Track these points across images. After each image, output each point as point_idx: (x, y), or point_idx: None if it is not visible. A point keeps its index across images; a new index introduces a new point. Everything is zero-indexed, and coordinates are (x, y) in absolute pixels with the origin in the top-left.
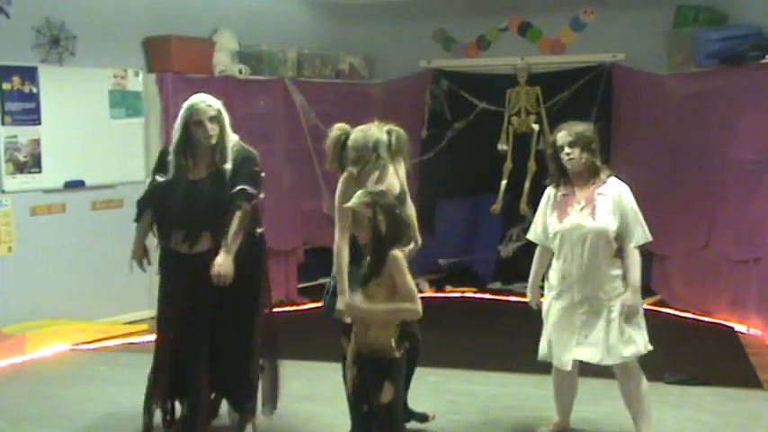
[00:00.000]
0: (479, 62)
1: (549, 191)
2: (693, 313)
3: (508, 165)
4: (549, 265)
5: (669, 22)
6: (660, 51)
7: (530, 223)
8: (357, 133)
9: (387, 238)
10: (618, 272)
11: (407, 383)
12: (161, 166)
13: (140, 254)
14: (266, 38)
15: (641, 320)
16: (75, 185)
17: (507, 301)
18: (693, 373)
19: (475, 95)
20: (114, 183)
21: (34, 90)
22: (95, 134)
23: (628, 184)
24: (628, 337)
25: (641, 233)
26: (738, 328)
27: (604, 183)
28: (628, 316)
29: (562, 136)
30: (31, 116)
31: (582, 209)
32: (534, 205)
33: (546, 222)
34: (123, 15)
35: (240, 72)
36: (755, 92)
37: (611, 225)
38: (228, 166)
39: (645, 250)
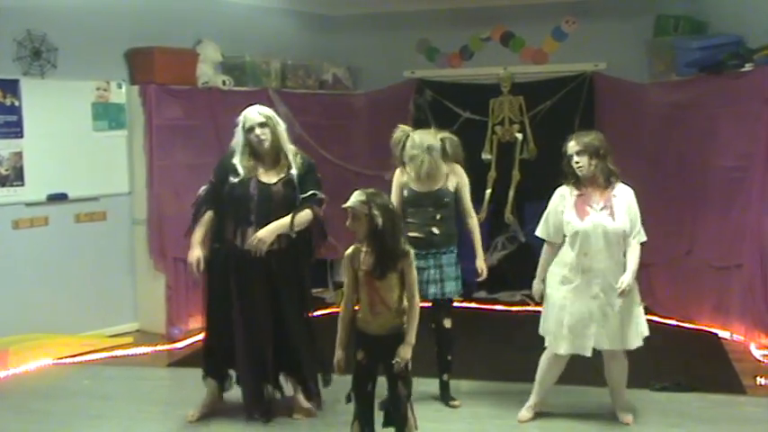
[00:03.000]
0: (463, 72)
1: (563, 190)
2: (677, 320)
3: (492, 174)
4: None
5: (650, 31)
6: (641, 60)
7: (515, 231)
8: (415, 136)
9: (384, 232)
10: (624, 265)
11: None
12: (221, 172)
13: (198, 259)
14: (250, 49)
15: (641, 310)
16: (57, 198)
17: (493, 309)
18: (678, 379)
19: (458, 105)
20: (97, 195)
21: (16, 103)
22: (78, 147)
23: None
24: (635, 326)
25: (641, 232)
26: (722, 334)
27: (616, 187)
28: (622, 292)
29: (571, 146)
30: (13, 129)
31: (601, 209)
32: (519, 214)
33: (559, 220)
34: (106, 27)
35: (224, 83)
36: (735, 100)
37: (626, 225)
38: (295, 171)
39: None
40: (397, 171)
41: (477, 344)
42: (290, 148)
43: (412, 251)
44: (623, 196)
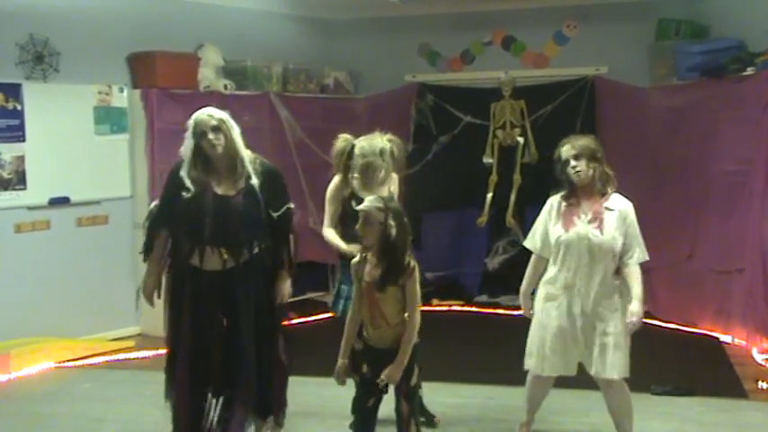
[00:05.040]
0: (464, 76)
1: (553, 200)
2: (678, 324)
3: (494, 178)
4: (541, 274)
5: (651, 35)
6: (642, 65)
7: (516, 236)
8: (363, 142)
9: (396, 244)
10: (615, 288)
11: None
12: (172, 185)
13: (154, 286)
14: (251, 53)
15: (628, 342)
16: (59, 202)
17: (494, 313)
18: (679, 383)
19: (460, 109)
20: (99, 199)
21: (18, 107)
22: (80, 151)
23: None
24: (618, 357)
25: (640, 252)
26: (723, 338)
27: (610, 197)
28: (632, 326)
29: (566, 150)
30: (16, 133)
31: (589, 221)
32: (520, 218)
33: (547, 231)
34: (107, 31)
35: (225, 87)
36: (737, 104)
37: (617, 241)
38: (255, 181)
39: None
40: (336, 181)
41: (477, 348)
42: (246, 155)
43: (417, 267)
44: (619, 210)
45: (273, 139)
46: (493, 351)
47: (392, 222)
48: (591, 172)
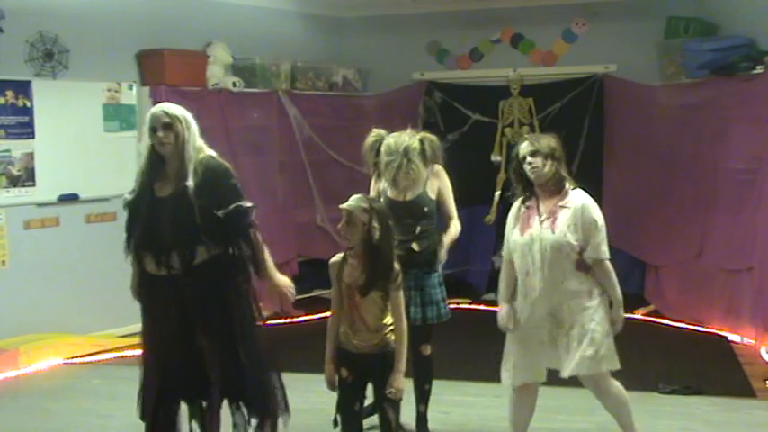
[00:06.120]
0: (472, 74)
1: (515, 205)
2: (687, 323)
3: (502, 176)
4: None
5: (660, 33)
6: (651, 62)
7: None
8: (390, 139)
9: (379, 247)
10: (582, 287)
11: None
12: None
13: (137, 284)
14: (260, 51)
15: (603, 339)
16: (68, 199)
17: None
18: (687, 382)
19: (468, 107)
20: (108, 196)
21: (28, 104)
22: (89, 148)
23: (619, 196)
24: (589, 353)
25: (594, 249)
26: (732, 337)
27: (568, 195)
28: (615, 329)
29: (524, 147)
30: (25, 130)
31: (543, 221)
32: None
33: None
34: (116, 29)
35: (234, 85)
36: (747, 102)
37: (570, 237)
38: (190, 182)
39: (638, 260)
40: (373, 180)
41: (484, 346)
42: (191, 156)
43: (401, 272)
44: (575, 206)
45: (281, 136)
46: (500, 349)
47: (376, 224)
48: (546, 170)
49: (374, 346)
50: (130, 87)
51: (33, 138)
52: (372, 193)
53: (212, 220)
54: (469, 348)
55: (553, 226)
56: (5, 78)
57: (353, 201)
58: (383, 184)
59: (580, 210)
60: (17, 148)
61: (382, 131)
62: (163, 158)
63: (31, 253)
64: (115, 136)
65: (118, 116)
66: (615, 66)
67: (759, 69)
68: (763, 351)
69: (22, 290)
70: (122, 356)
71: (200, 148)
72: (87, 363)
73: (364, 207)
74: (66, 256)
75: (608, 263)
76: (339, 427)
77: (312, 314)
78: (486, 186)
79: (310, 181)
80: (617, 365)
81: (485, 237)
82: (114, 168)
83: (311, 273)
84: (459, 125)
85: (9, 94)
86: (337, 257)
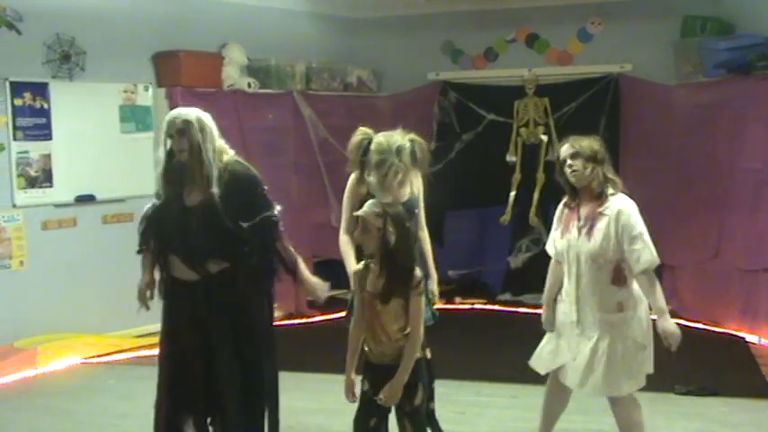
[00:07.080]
0: (487, 74)
1: (560, 206)
2: (704, 323)
3: (517, 176)
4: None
5: (676, 32)
6: (668, 62)
7: (539, 234)
8: (380, 138)
9: (396, 251)
10: (618, 299)
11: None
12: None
13: (146, 288)
14: (275, 51)
15: (632, 357)
16: (85, 200)
17: (517, 312)
18: (703, 383)
19: (483, 107)
20: (125, 197)
21: (45, 105)
22: (106, 149)
23: (635, 197)
24: (613, 377)
25: (647, 257)
26: (749, 338)
27: (608, 200)
28: (671, 344)
29: (565, 149)
30: (43, 131)
31: (580, 227)
32: (543, 216)
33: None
34: (133, 31)
35: (249, 86)
36: (763, 102)
37: (605, 247)
38: (215, 190)
39: None
40: (352, 179)
41: (500, 346)
42: (210, 161)
43: (423, 279)
44: (613, 213)
45: (296, 137)
46: (515, 349)
47: (391, 228)
48: (587, 172)
49: (396, 357)
50: (146, 89)
51: (51, 139)
52: (348, 194)
53: (238, 230)
54: (484, 349)
55: (590, 233)
56: (23, 80)
57: (366, 206)
58: (366, 186)
59: (615, 216)
60: (35, 149)
61: (369, 130)
62: (181, 166)
63: (49, 253)
64: (131, 137)
65: (134, 117)
66: (631, 65)
67: None
68: None
69: (39, 290)
70: (139, 356)
71: (220, 150)
72: (104, 362)
73: (377, 212)
74: (82, 256)
75: (650, 274)
76: None
77: (328, 314)
78: (502, 186)
79: (325, 181)
80: (639, 384)
81: (500, 237)
82: (130, 169)
83: (326, 273)
84: (474, 125)
85: (27, 95)
86: (360, 266)
